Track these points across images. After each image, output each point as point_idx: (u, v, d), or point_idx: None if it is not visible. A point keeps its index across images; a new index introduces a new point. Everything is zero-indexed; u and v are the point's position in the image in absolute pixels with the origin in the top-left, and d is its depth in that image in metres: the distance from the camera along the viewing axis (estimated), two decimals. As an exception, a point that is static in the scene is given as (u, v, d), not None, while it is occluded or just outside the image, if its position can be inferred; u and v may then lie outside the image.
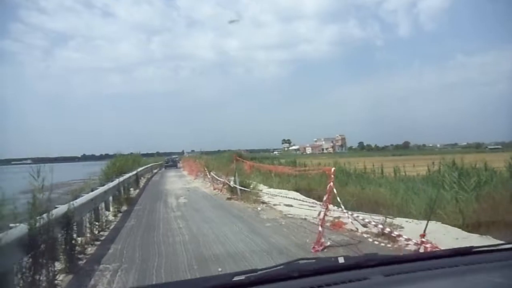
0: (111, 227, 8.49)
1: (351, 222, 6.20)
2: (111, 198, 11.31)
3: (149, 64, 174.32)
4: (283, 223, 8.08)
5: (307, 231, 6.98)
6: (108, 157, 26.98)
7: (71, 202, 5.96)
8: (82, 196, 7.67)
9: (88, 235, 7.15)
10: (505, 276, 1.43)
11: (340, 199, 5.86)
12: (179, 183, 21.53)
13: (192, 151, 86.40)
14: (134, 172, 18.45)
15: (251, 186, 13.31)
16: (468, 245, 1.77)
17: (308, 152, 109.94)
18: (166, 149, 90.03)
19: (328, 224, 6.76)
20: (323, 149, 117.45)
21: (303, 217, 8.74)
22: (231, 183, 14.32)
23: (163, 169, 42.60)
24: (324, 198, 5.93)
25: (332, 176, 5.86)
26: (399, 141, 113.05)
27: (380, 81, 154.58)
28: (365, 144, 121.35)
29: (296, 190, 16.41)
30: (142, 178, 25.80)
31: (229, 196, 13.04)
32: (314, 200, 13.83)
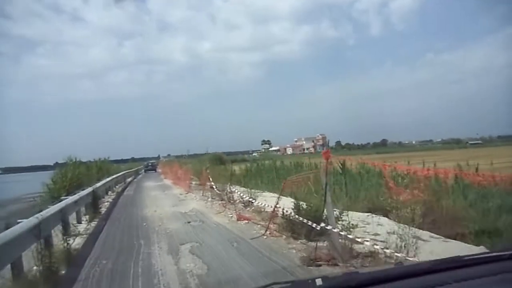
0: None
1: None
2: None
3: (121, 69, 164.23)
4: None
5: None
6: (82, 165, 21.10)
7: None
8: None
9: None
10: None
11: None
12: (166, 201, 13.55)
13: (168, 155, 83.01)
14: (90, 190, 10.63)
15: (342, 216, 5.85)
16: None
17: (289, 153, 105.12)
18: (141, 154, 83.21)
19: None
20: (304, 149, 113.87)
21: None
22: (281, 209, 7.05)
23: (140, 176, 37.29)
24: None
25: None
26: (375, 139, 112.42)
27: (354, 80, 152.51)
28: (342, 143, 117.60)
29: (370, 211, 9.32)
30: (109, 192, 18.08)
31: (311, 256, 5.16)
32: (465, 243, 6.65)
